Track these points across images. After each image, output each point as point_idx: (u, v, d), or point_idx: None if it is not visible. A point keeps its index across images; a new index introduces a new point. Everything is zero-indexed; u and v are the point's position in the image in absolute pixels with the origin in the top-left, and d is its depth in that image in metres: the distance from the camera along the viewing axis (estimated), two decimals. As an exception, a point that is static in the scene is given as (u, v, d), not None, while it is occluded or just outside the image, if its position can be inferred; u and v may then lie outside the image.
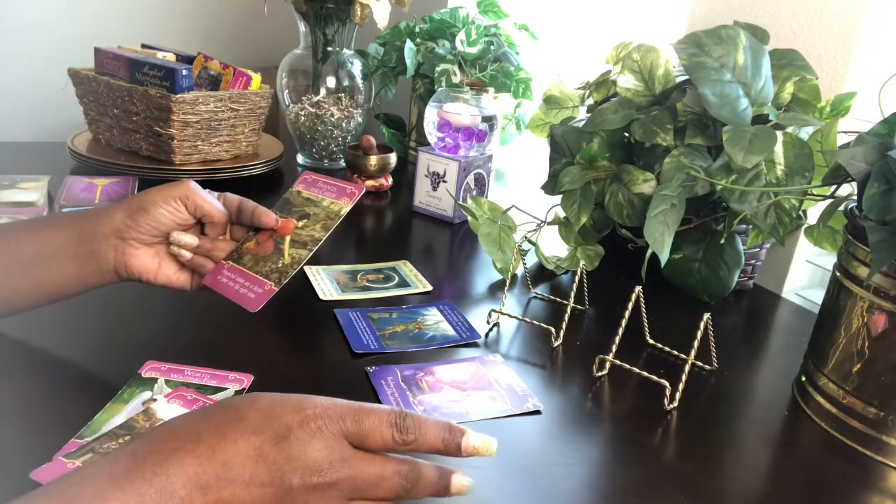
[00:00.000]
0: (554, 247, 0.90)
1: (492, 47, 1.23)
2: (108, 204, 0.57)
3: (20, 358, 0.58)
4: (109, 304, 0.68)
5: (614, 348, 0.62)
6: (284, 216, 0.59)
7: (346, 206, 0.59)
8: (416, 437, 0.38)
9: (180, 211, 0.56)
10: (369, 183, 1.12)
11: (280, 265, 0.56)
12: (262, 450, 0.35)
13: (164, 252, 0.57)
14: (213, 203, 0.57)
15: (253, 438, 0.35)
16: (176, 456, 0.34)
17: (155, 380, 0.55)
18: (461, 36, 1.20)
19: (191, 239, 0.57)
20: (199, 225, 0.59)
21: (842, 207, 0.61)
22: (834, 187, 0.64)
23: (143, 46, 1.16)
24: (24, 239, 0.55)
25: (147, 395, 0.53)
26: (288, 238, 0.58)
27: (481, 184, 1.04)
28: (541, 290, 0.82)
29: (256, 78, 1.12)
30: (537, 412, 0.57)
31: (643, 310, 0.68)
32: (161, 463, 0.34)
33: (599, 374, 0.64)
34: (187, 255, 0.57)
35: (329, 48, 1.19)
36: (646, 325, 0.70)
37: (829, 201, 0.63)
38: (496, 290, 0.81)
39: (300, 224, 0.59)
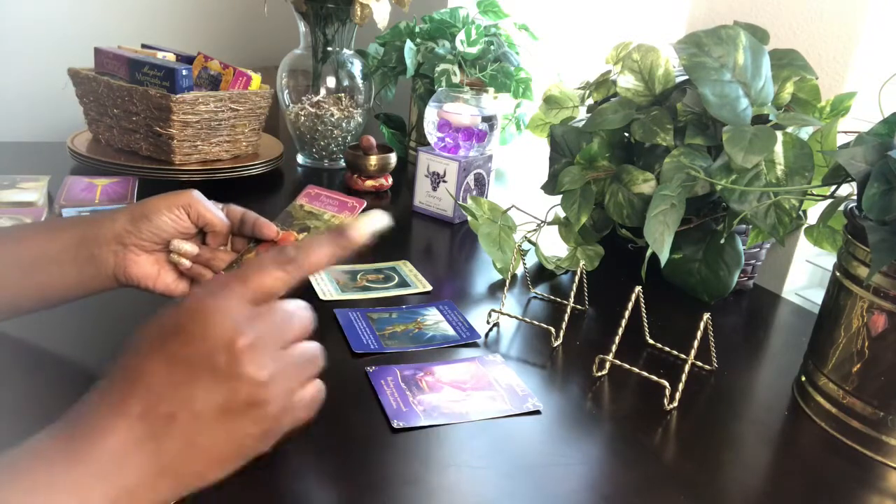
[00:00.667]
0: (554, 247, 0.90)
1: (492, 47, 1.24)
2: (111, 209, 0.57)
3: (20, 358, 0.58)
4: (109, 305, 0.68)
5: (614, 348, 0.62)
6: (286, 229, 0.59)
7: (346, 221, 0.59)
8: (302, 255, 0.40)
9: (182, 219, 0.56)
10: (369, 183, 1.12)
11: None
12: (169, 355, 0.35)
13: (164, 260, 0.57)
14: (215, 213, 0.57)
15: (155, 353, 0.36)
16: (106, 404, 0.35)
17: (155, 380, 0.55)
18: (461, 36, 1.21)
19: (191, 248, 0.57)
20: (201, 234, 0.59)
21: (842, 207, 0.62)
22: (834, 187, 0.64)
23: (143, 46, 1.16)
24: (25, 241, 0.54)
25: (147, 395, 0.53)
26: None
27: (481, 184, 1.04)
28: (541, 290, 0.82)
29: (256, 78, 1.12)
30: (537, 412, 0.57)
31: (643, 310, 0.69)
32: (95, 416, 0.34)
33: (599, 374, 0.64)
34: (187, 263, 0.57)
35: (329, 48, 1.19)
36: (646, 325, 0.70)
37: (829, 201, 0.63)
38: (496, 290, 0.81)
39: (300, 237, 0.59)
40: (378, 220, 0.40)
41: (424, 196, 1.04)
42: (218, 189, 1.00)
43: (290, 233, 0.59)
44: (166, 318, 0.37)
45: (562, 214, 0.85)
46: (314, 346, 0.41)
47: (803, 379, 0.63)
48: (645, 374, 0.61)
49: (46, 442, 0.34)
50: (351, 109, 1.22)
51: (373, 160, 1.10)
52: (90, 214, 0.57)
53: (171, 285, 0.57)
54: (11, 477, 0.32)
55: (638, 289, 0.64)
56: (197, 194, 0.57)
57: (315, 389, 0.40)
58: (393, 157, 1.13)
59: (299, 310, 0.40)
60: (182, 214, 0.56)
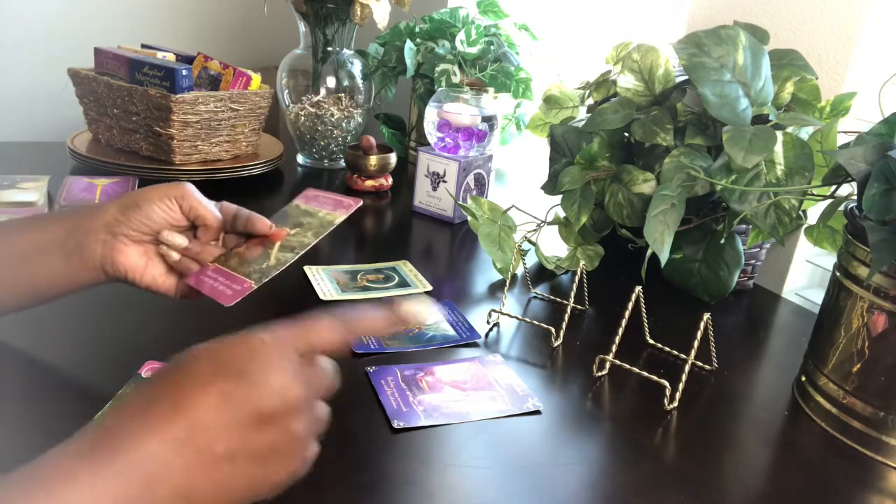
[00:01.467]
0: (554, 247, 0.90)
1: (492, 47, 1.23)
2: (103, 201, 0.56)
3: (20, 358, 0.58)
4: (109, 305, 0.68)
5: (614, 348, 0.62)
6: (279, 225, 0.59)
7: (340, 217, 0.59)
8: (357, 321, 0.41)
9: (174, 210, 0.55)
10: (369, 183, 1.12)
11: (264, 266, 0.56)
12: (224, 391, 0.35)
13: (152, 252, 0.56)
14: (208, 206, 0.57)
15: (210, 385, 0.35)
16: (140, 422, 0.34)
17: (155, 380, 0.55)
18: (461, 36, 1.20)
19: (181, 240, 0.56)
20: (193, 230, 0.58)
21: (842, 207, 0.62)
22: (834, 187, 0.64)
23: (143, 46, 1.16)
24: (16, 235, 0.54)
25: (147, 395, 0.53)
26: (277, 244, 0.58)
27: (481, 184, 1.04)
28: (541, 290, 0.82)
29: (256, 78, 1.12)
30: (537, 412, 0.57)
31: (643, 310, 0.68)
32: (127, 432, 0.33)
33: (599, 374, 0.64)
34: (175, 256, 0.56)
35: (329, 48, 1.19)
36: (646, 325, 0.70)
37: (829, 201, 0.63)
38: (496, 290, 0.81)
39: (293, 232, 0.58)
40: (429, 311, 0.42)
41: (424, 196, 1.04)
42: (218, 189, 1.00)
43: (283, 228, 0.58)
44: (224, 351, 0.37)
45: (562, 214, 0.85)
46: (326, 408, 0.41)
47: (803, 379, 0.63)
48: (645, 374, 0.61)
49: (70, 456, 0.33)
50: (351, 109, 1.22)
51: (373, 160, 1.10)
52: (81, 207, 0.57)
53: (158, 279, 0.57)
54: (32, 490, 0.31)
55: (638, 289, 0.64)
56: (190, 187, 0.56)
57: (315, 449, 0.40)
58: (393, 157, 1.13)
59: (332, 370, 0.41)
60: (174, 206, 0.55)
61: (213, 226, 0.57)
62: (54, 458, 0.33)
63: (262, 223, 0.58)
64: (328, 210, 0.60)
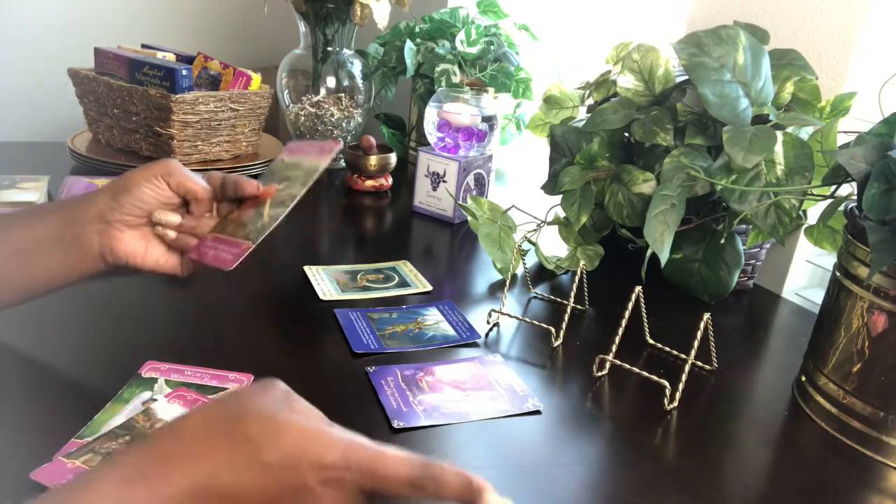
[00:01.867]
0: (554, 247, 0.90)
1: (492, 47, 1.23)
2: (93, 190, 0.56)
3: (20, 358, 0.58)
4: (109, 304, 0.68)
5: (614, 348, 0.62)
6: (267, 184, 0.59)
7: (322, 162, 0.58)
8: (434, 492, 0.36)
9: (162, 189, 0.55)
10: (369, 183, 1.12)
11: (259, 225, 0.56)
12: (274, 499, 0.34)
13: (150, 234, 0.56)
14: (196, 180, 0.57)
15: (266, 485, 0.34)
16: (186, 482, 0.33)
17: (155, 380, 0.55)
18: (461, 36, 1.20)
19: (174, 217, 0.56)
20: (185, 205, 0.58)
21: (842, 207, 0.62)
22: (834, 187, 0.64)
23: (143, 46, 1.16)
24: (10, 230, 0.54)
25: (147, 395, 0.53)
26: (268, 201, 0.57)
27: (481, 184, 1.04)
28: (541, 290, 0.82)
29: (256, 78, 1.12)
30: (537, 412, 0.57)
31: (643, 310, 0.68)
32: (170, 491, 0.33)
33: (599, 374, 0.64)
34: (172, 234, 0.56)
35: (329, 48, 1.19)
36: (646, 325, 0.70)
37: (829, 201, 0.63)
38: (496, 290, 0.81)
39: (281, 186, 0.58)
40: None
41: (424, 196, 1.04)
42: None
43: (272, 186, 0.58)
44: (299, 449, 0.35)
45: (562, 214, 0.85)
46: None
47: (803, 379, 0.63)
48: (645, 374, 0.61)
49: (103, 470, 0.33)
50: (351, 109, 1.22)
51: (373, 160, 1.10)
52: (72, 197, 0.56)
53: (160, 260, 0.57)
54: None
55: (638, 289, 0.64)
56: (175, 163, 0.56)
57: None
58: (393, 157, 1.13)
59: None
60: (161, 184, 0.55)
61: (204, 198, 0.57)
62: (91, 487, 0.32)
63: (250, 185, 0.57)
64: (311, 158, 0.60)
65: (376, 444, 0.36)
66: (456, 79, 1.19)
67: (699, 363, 0.67)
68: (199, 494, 0.33)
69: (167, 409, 0.51)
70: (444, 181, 1.01)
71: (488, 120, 1.01)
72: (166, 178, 0.55)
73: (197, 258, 0.56)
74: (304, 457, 0.34)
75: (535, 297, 0.80)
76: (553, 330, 0.69)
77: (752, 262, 0.86)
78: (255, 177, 0.60)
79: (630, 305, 0.63)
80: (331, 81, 1.21)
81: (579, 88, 1.02)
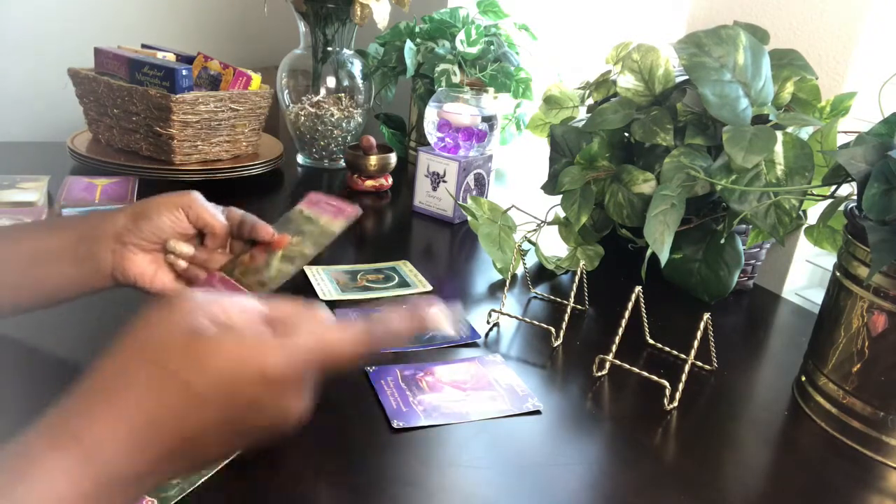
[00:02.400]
0: (554, 247, 0.90)
1: (492, 47, 1.23)
2: (111, 208, 0.57)
3: (20, 358, 0.58)
4: (109, 304, 0.68)
5: (614, 348, 0.62)
6: (282, 232, 0.60)
7: (339, 225, 0.60)
8: (389, 343, 0.38)
9: (181, 219, 0.56)
10: (369, 183, 1.12)
11: (265, 278, 0.57)
12: (228, 422, 0.34)
13: (161, 259, 0.57)
14: (215, 215, 0.58)
15: (213, 414, 0.33)
16: (125, 436, 0.32)
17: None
18: (461, 36, 1.20)
19: (188, 248, 0.57)
20: (200, 236, 0.59)
21: (842, 207, 0.62)
22: (834, 187, 0.64)
23: (143, 46, 1.16)
24: (24, 240, 0.55)
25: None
26: (279, 253, 0.58)
27: (481, 184, 1.04)
28: (541, 290, 0.82)
29: (256, 78, 1.12)
30: (537, 412, 0.57)
31: (643, 310, 0.68)
32: (112, 447, 0.31)
33: (599, 374, 0.64)
34: (183, 264, 0.57)
35: (329, 48, 1.19)
36: (646, 325, 0.70)
37: (829, 201, 0.63)
38: (496, 290, 0.81)
39: (294, 240, 0.59)
40: (449, 321, 0.40)
41: (424, 196, 1.04)
42: (218, 189, 1.00)
43: (285, 236, 0.59)
44: (232, 373, 0.34)
45: (562, 214, 0.85)
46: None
47: (803, 379, 0.63)
48: (645, 374, 0.61)
49: (30, 436, 0.32)
50: (351, 109, 1.22)
51: (373, 160, 1.10)
52: (90, 213, 0.57)
53: (168, 286, 0.57)
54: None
55: (638, 289, 0.64)
56: (197, 195, 0.57)
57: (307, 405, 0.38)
58: (393, 157, 1.13)
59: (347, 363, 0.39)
60: (181, 215, 0.56)
61: (220, 233, 0.58)
62: (21, 459, 0.31)
63: (265, 230, 0.58)
64: (329, 217, 0.61)
65: (314, 325, 0.36)
66: (456, 79, 1.19)
67: (699, 363, 0.67)
68: (147, 444, 0.32)
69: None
70: (444, 181, 1.01)
71: (488, 120, 1.01)
72: (186, 209, 0.56)
73: None
74: (241, 377, 0.34)
75: (535, 297, 0.80)
76: (553, 330, 0.69)
77: (752, 262, 0.86)
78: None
79: (630, 305, 0.63)
80: (331, 81, 1.21)
81: (579, 88, 1.02)
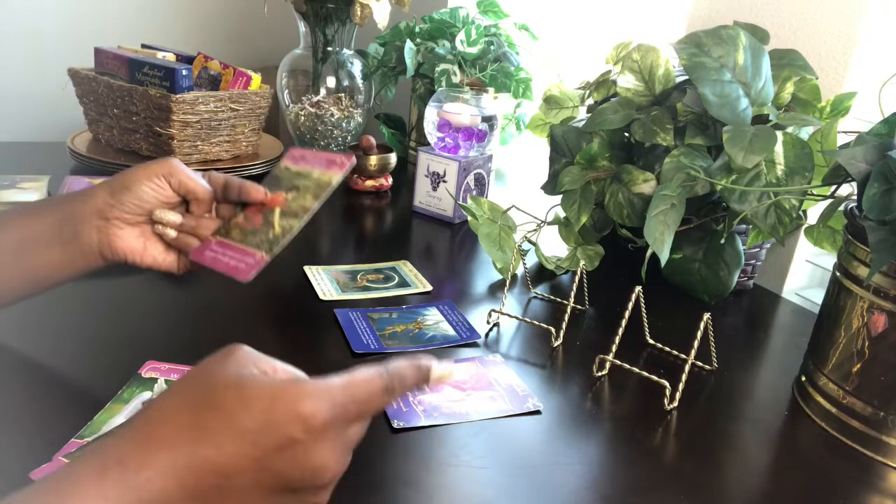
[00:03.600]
0: (554, 247, 0.90)
1: (492, 47, 1.23)
2: (91, 186, 0.56)
3: (20, 358, 0.58)
4: (109, 304, 0.68)
5: (614, 348, 0.62)
6: (274, 191, 0.58)
7: (336, 176, 0.57)
8: (401, 390, 0.39)
9: (163, 188, 0.55)
10: (369, 183, 1.12)
11: (270, 236, 0.55)
12: (262, 461, 0.34)
13: (149, 232, 0.56)
14: (196, 179, 0.56)
15: (250, 449, 0.34)
16: (167, 466, 0.33)
17: (155, 380, 0.55)
18: (461, 36, 1.20)
19: (175, 216, 0.56)
20: (185, 204, 0.58)
21: (842, 207, 0.62)
22: (834, 187, 0.64)
23: (143, 46, 1.16)
24: (8, 226, 0.54)
25: (147, 395, 0.53)
26: (277, 210, 0.56)
27: (481, 184, 1.04)
28: (541, 290, 0.82)
29: (256, 78, 1.12)
30: (537, 412, 0.57)
31: (643, 310, 0.68)
32: (156, 474, 0.32)
33: (599, 374, 0.64)
34: (172, 233, 0.56)
35: (329, 48, 1.19)
36: (646, 325, 0.70)
37: (829, 201, 0.63)
38: (496, 290, 0.81)
39: (289, 196, 0.57)
40: (462, 372, 0.42)
41: (424, 196, 1.04)
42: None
43: (279, 194, 0.57)
44: (275, 409, 0.34)
45: (562, 214, 0.85)
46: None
47: (803, 379, 0.63)
48: (645, 374, 0.61)
49: (80, 460, 0.33)
50: (351, 109, 1.22)
51: (373, 160, 1.10)
52: (70, 193, 0.56)
53: (159, 258, 0.57)
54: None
55: (638, 289, 0.64)
56: (176, 162, 0.56)
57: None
58: (393, 157, 1.13)
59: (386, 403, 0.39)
60: (163, 183, 0.55)
61: (205, 198, 0.57)
62: (67, 482, 0.32)
63: (257, 190, 0.57)
64: (322, 169, 0.58)
65: (341, 375, 0.37)
66: (456, 79, 1.19)
67: (699, 363, 0.67)
68: (185, 475, 0.33)
69: (167, 409, 0.51)
70: (444, 181, 1.01)
71: (488, 120, 1.01)
72: (167, 177, 0.55)
73: (210, 265, 0.55)
74: (280, 413, 0.34)
75: (535, 297, 0.80)
76: (553, 330, 0.69)
77: (752, 262, 0.86)
78: (257, 178, 0.60)
79: (630, 305, 0.63)
80: (331, 81, 1.21)
81: (579, 88, 1.02)
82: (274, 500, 0.35)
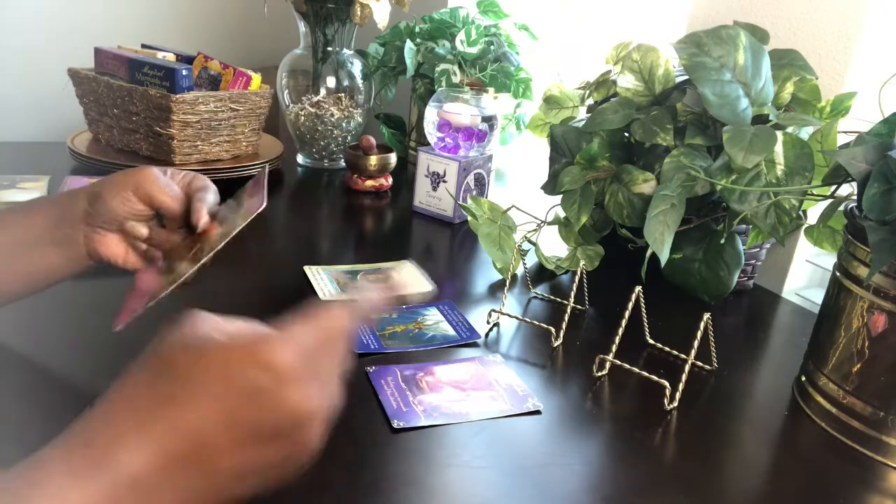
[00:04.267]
0: (554, 247, 0.90)
1: (492, 47, 1.23)
2: (77, 188, 0.56)
3: (20, 358, 0.58)
4: (109, 304, 0.68)
5: (614, 348, 0.62)
6: (222, 216, 0.56)
7: (237, 227, 0.52)
8: (369, 314, 0.39)
9: (132, 201, 0.54)
10: (369, 183, 1.12)
11: (171, 277, 0.53)
12: (233, 415, 0.33)
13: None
14: (167, 193, 0.55)
15: (216, 406, 0.32)
16: (138, 440, 0.31)
17: (155, 380, 0.55)
18: (461, 36, 1.20)
19: (142, 230, 0.55)
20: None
21: (842, 207, 0.62)
22: (834, 187, 0.64)
23: (143, 46, 1.16)
24: (9, 225, 0.54)
25: (147, 395, 0.53)
26: (198, 246, 0.54)
27: (481, 184, 1.04)
28: (541, 290, 0.82)
29: (256, 78, 1.12)
30: (537, 412, 0.57)
31: (643, 310, 0.68)
32: (124, 449, 0.31)
33: (599, 374, 0.64)
34: (142, 245, 0.56)
35: (329, 48, 1.19)
36: (646, 325, 0.70)
37: (829, 201, 0.63)
38: (496, 290, 0.81)
39: (219, 230, 0.55)
40: (419, 277, 0.42)
41: (424, 196, 1.04)
42: (218, 189, 1.00)
43: (214, 224, 0.55)
44: (234, 354, 0.34)
45: (562, 214, 0.85)
46: (337, 390, 0.38)
47: (803, 379, 0.63)
48: (645, 374, 0.61)
49: (53, 465, 0.31)
50: (351, 109, 1.22)
51: (373, 160, 1.10)
52: (60, 194, 0.56)
53: (139, 266, 0.57)
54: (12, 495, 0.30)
55: (638, 289, 0.64)
56: (151, 173, 0.54)
57: (322, 438, 0.37)
58: (393, 157, 1.13)
59: (349, 342, 0.39)
60: (131, 197, 0.54)
61: (175, 214, 0.56)
62: (43, 476, 0.30)
63: (197, 216, 0.54)
64: (242, 211, 0.55)
65: (302, 315, 0.37)
66: (456, 79, 1.19)
67: (699, 363, 0.67)
68: (155, 447, 0.32)
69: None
70: (444, 181, 1.01)
71: (488, 120, 1.01)
72: (135, 191, 0.54)
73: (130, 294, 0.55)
74: (237, 363, 0.33)
75: (535, 297, 0.80)
76: (553, 330, 0.69)
77: (752, 262, 0.86)
78: (248, 179, 0.59)
79: (630, 305, 0.63)
80: (331, 81, 1.21)
81: (579, 88, 1.02)
82: (258, 451, 0.34)
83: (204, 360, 0.33)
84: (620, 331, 0.62)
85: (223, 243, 0.52)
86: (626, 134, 0.84)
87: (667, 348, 0.69)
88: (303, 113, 1.21)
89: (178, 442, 0.32)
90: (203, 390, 0.33)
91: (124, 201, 0.54)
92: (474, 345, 0.67)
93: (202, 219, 0.54)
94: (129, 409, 0.33)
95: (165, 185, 0.55)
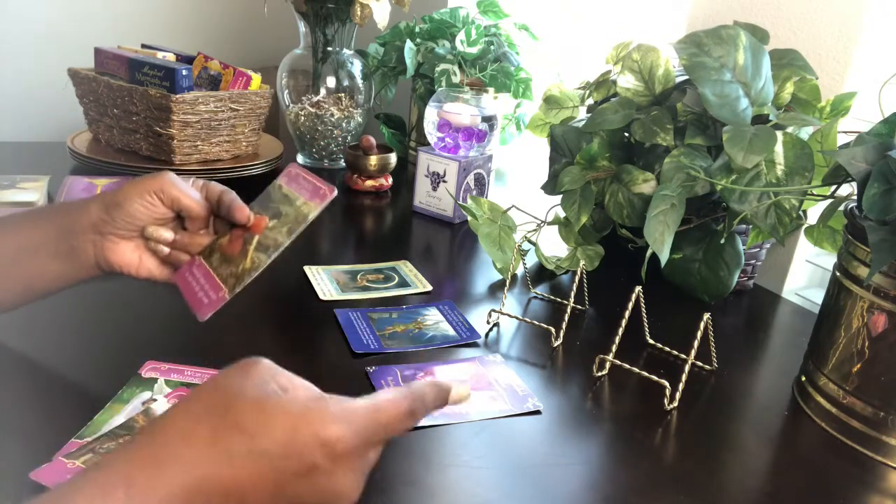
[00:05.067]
0: (554, 247, 0.90)
1: (492, 47, 1.23)
2: (86, 197, 0.55)
3: (20, 358, 0.58)
4: (109, 304, 0.68)
5: (614, 348, 0.62)
6: (260, 212, 0.57)
7: (314, 210, 0.55)
8: (423, 412, 0.39)
9: (155, 205, 0.54)
10: (369, 183, 1.12)
11: (239, 269, 0.54)
12: (282, 485, 0.33)
13: (144, 245, 0.56)
14: (191, 196, 0.55)
15: (270, 472, 0.33)
16: (178, 487, 0.32)
17: (155, 380, 0.55)
18: (461, 36, 1.20)
19: (167, 234, 0.55)
20: (180, 219, 0.57)
21: (842, 207, 0.62)
22: (834, 187, 0.64)
23: (143, 46, 1.16)
24: (5, 234, 0.53)
25: (147, 395, 0.53)
26: (256, 238, 0.55)
27: (481, 184, 1.04)
28: (541, 290, 0.82)
29: (256, 78, 1.12)
30: (537, 412, 0.57)
31: (643, 310, 0.68)
32: (162, 498, 0.31)
33: (599, 374, 0.64)
34: (165, 250, 0.55)
35: (329, 48, 1.19)
36: (646, 325, 0.70)
37: (829, 201, 0.63)
38: (496, 290, 0.81)
39: (270, 224, 0.56)
40: (465, 394, 0.42)
41: (424, 196, 1.04)
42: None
43: (263, 217, 0.56)
44: (298, 435, 0.34)
45: (562, 214, 0.85)
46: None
47: (803, 379, 0.63)
48: (645, 374, 0.61)
49: (85, 475, 0.32)
50: (351, 109, 1.22)
51: (373, 160, 1.10)
52: (66, 203, 0.56)
53: (154, 271, 0.56)
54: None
55: (638, 289, 0.64)
56: (170, 177, 0.54)
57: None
58: (393, 157, 1.13)
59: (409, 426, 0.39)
60: (154, 200, 0.54)
61: (199, 216, 0.56)
62: (70, 494, 0.31)
63: (241, 213, 0.55)
64: (305, 198, 0.56)
65: (365, 399, 0.37)
66: (456, 79, 1.19)
67: (699, 363, 0.67)
68: (194, 495, 0.32)
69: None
70: (444, 181, 1.01)
71: (488, 120, 1.01)
72: (159, 194, 0.54)
73: (181, 286, 0.55)
74: (302, 437, 0.34)
75: (535, 297, 0.80)
76: (553, 330, 0.69)
77: (752, 262, 0.86)
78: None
79: (630, 305, 0.63)
80: (331, 81, 1.21)
81: (579, 88, 1.02)
82: None
83: (269, 422, 0.34)
84: (620, 331, 0.62)
85: (303, 227, 0.54)
86: (626, 134, 0.84)
87: (667, 348, 0.69)
88: (303, 113, 1.21)
89: (221, 498, 0.32)
90: (262, 454, 0.33)
91: (147, 206, 0.54)
92: (474, 345, 0.67)
93: (247, 213, 0.56)
94: (178, 453, 0.33)
95: (187, 188, 0.56)
